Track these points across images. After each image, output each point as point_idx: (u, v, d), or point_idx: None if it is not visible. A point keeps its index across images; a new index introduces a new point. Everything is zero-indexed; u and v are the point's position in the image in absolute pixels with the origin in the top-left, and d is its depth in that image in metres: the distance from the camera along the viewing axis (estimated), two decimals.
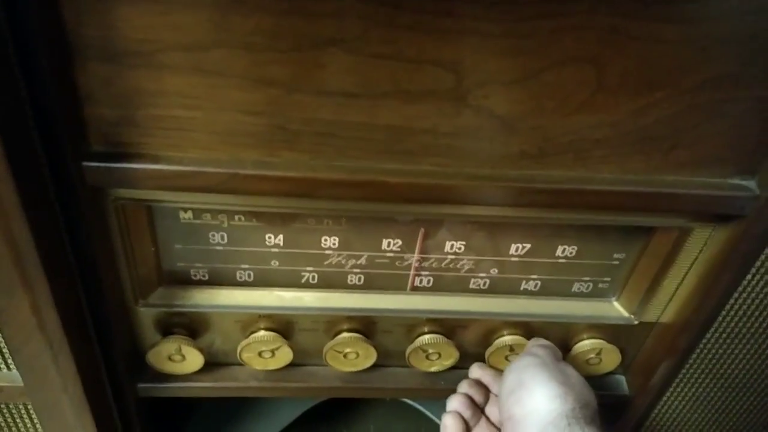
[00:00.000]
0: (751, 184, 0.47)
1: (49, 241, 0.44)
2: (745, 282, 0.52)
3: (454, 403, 0.57)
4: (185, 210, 0.51)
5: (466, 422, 0.55)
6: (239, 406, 0.85)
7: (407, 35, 0.39)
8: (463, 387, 0.58)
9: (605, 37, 0.40)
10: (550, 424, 0.45)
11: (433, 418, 0.86)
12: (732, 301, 0.54)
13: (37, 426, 0.57)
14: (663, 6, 0.39)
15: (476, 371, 0.60)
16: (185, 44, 0.39)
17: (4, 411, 0.56)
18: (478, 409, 0.57)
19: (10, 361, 0.51)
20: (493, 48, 0.40)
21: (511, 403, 0.48)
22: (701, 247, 0.52)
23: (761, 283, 0.52)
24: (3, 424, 0.57)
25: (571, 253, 0.56)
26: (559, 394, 0.46)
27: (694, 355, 0.59)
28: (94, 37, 0.38)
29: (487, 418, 0.57)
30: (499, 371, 0.60)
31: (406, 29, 0.39)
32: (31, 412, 0.55)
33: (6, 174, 0.38)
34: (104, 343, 0.54)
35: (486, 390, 0.58)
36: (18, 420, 0.56)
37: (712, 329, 0.56)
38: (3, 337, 0.49)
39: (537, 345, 0.55)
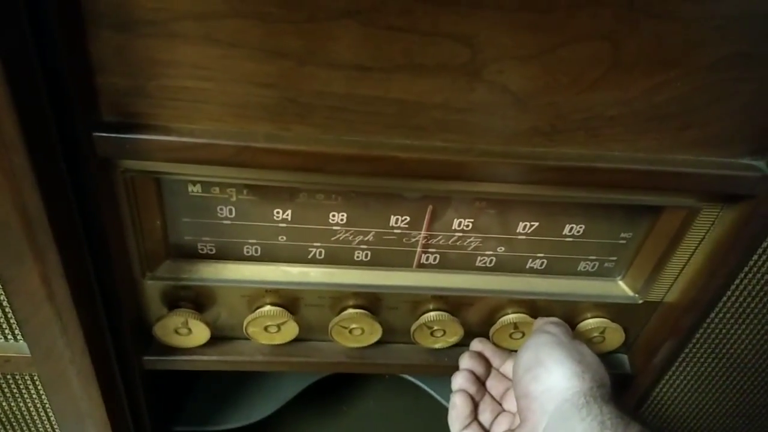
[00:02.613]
0: (761, 164, 0.47)
1: (59, 211, 0.44)
2: (751, 262, 0.53)
3: (460, 380, 0.57)
4: (194, 183, 0.51)
5: (472, 398, 0.56)
6: (240, 382, 0.85)
7: (423, 8, 0.39)
8: (465, 361, 0.58)
9: (621, 14, 0.39)
10: (567, 401, 0.45)
11: (433, 393, 0.87)
12: (737, 281, 0.54)
13: (43, 397, 0.57)
14: None
15: (477, 345, 0.60)
16: (199, 13, 0.38)
17: (10, 381, 0.56)
18: (482, 385, 0.57)
19: (17, 331, 0.51)
20: (509, 22, 0.39)
21: (527, 381, 0.49)
22: (709, 227, 0.53)
23: (767, 263, 0.52)
24: (9, 395, 0.57)
25: (578, 231, 0.56)
26: (576, 373, 0.47)
27: (698, 335, 0.59)
28: (108, 5, 0.38)
29: (489, 393, 0.57)
30: (499, 347, 0.61)
31: (422, 1, 0.38)
32: (37, 382, 0.55)
33: (20, 143, 0.38)
34: (111, 315, 0.54)
35: (487, 363, 0.58)
36: (24, 390, 0.56)
37: (716, 309, 0.57)
38: (11, 308, 0.49)
39: (550, 323, 0.55)
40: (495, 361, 0.59)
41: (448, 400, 0.85)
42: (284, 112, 0.43)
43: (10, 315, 0.50)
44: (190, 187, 0.51)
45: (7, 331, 0.51)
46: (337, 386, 0.92)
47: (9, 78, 0.36)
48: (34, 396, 0.57)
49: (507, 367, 0.58)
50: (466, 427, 0.55)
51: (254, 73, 0.41)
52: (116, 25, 0.39)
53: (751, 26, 0.41)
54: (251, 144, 0.44)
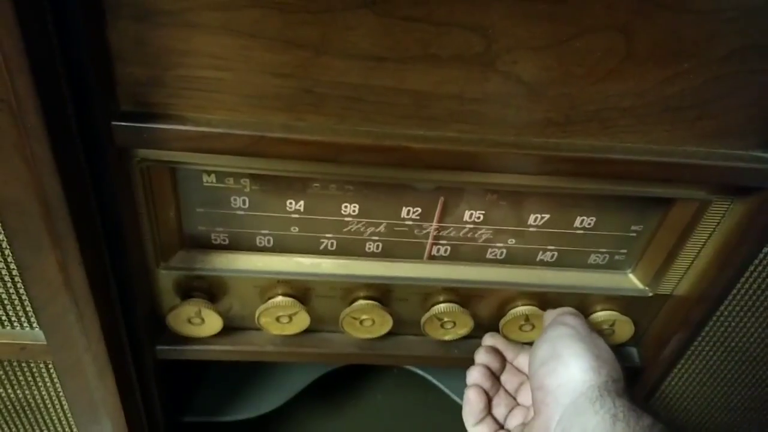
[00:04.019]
0: None
1: (78, 199, 0.44)
2: (761, 255, 0.53)
3: (474, 375, 0.57)
4: (208, 173, 0.51)
5: (486, 393, 0.56)
6: (250, 373, 0.86)
7: None
8: (480, 356, 0.59)
9: (636, 5, 0.40)
10: (583, 395, 0.46)
11: (441, 386, 0.87)
12: (747, 273, 0.54)
13: (57, 385, 0.58)
14: None
15: (489, 339, 0.61)
16: (218, 3, 0.39)
17: (25, 369, 0.56)
18: (497, 380, 0.57)
19: (33, 319, 0.52)
20: (523, 13, 0.40)
21: (543, 374, 0.49)
22: (719, 219, 0.53)
23: None
24: (24, 383, 0.57)
25: (589, 224, 0.56)
26: (593, 367, 0.47)
27: (707, 328, 0.59)
28: None
29: (503, 387, 0.58)
30: (511, 340, 0.61)
31: None
32: (52, 370, 0.56)
33: (41, 131, 0.38)
34: (125, 304, 0.55)
35: (502, 357, 0.59)
36: (38, 378, 0.57)
37: (726, 301, 0.57)
38: (28, 296, 0.50)
39: (568, 314, 0.55)
40: (508, 354, 0.59)
41: (456, 392, 0.86)
42: (299, 102, 0.44)
43: (26, 302, 0.50)
44: (205, 178, 0.51)
45: (23, 319, 0.52)
46: (346, 379, 0.92)
47: (32, 67, 0.36)
48: (48, 384, 0.57)
49: (521, 360, 0.58)
50: (480, 421, 0.56)
51: (271, 64, 0.42)
52: (135, 15, 0.39)
53: (765, 19, 0.41)
54: (266, 134, 0.44)
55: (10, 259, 0.47)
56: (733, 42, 0.42)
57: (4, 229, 0.45)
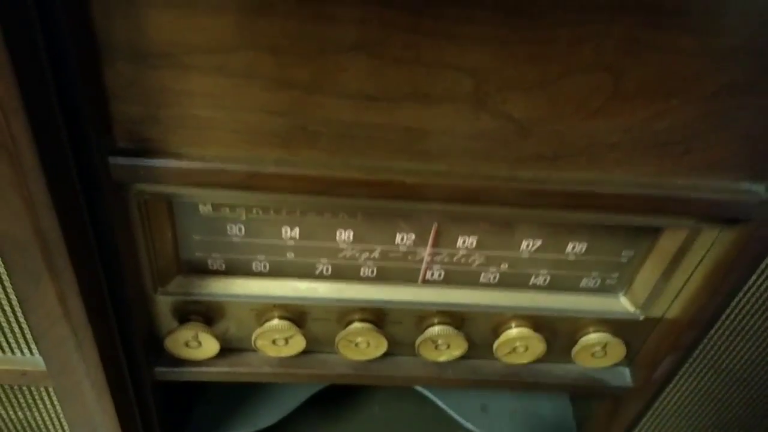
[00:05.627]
0: (759, 188, 0.48)
1: (75, 233, 0.45)
2: (750, 282, 0.54)
3: None
4: (205, 203, 0.52)
5: None
6: (247, 390, 0.87)
7: (428, 41, 0.40)
8: None
9: (623, 46, 0.40)
10: None
11: (437, 401, 0.88)
12: (737, 300, 0.55)
13: (57, 408, 0.59)
14: (680, 17, 0.39)
15: None
16: (211, 46, 0.39)
17: (26, 392, 0.57)
18: None
19: (33, 346, 0.53)
20: (512, 54, 0.40)
21: None
22: (708, 247, 0.53)
23: (765, 283, 0.53)
24: (25, 406, 0.59)
25: (580, 249, 0.57)
26: None
27: (698, 351, 0.60)
28: (122, 39, 0.39)
29: None
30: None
31: (428, 35, 0.39)
32: (52, 395, 0.57)
33: (38, 172, 0.39)
34: (123, 329, 0.56)
35: None
36: (39, 402, 0.58)
37: (716, 326, 0.58)
38: (28, 324, 0.50)
39: None
40: None
41: (451, 407, 0.87)
42: (293, 139, 0.45)
43: (26, 331, 0.51)
44: (201, 207, 0.52)
45: (23, 346, 0.53)
46: (342, 391, 0.93)
47: (28, 109, 0.37)
48: (49, 407, 0.59)
49: None
50: None
51: (265, 102, 0.42)
52: (130, 58, 0.40)
53: (749, 58, 0.41)
54: (261, 169, 0.45)
55: (10, 290, 0.48)
56: (719, 80, 0.43)
57: (3, 263, 0.46)
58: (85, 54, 0.39)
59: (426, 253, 0.57)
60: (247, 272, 0.58)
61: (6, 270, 0.46)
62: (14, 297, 0.49)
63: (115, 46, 0.39)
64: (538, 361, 0.64)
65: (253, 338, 0.60)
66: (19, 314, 0.50)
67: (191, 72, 0.41)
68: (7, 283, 0.47)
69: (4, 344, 0.53)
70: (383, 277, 0.59)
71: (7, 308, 0.49)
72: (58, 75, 0.39)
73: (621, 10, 0.39)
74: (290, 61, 0.40)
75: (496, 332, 0.62)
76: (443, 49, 0.40)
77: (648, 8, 0.39)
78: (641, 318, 0.60)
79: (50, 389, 0.56)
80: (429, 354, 0.63)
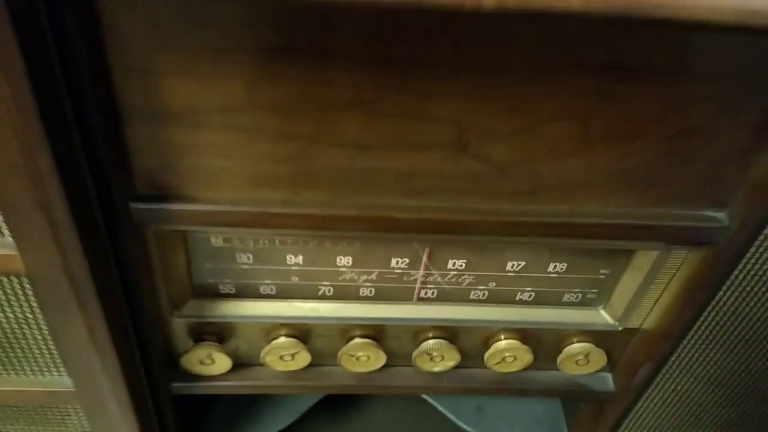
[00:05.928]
0: (722, 216, 0.53)
1: (100, 269, 0.50)
2: (717, 297, 0.59)
3: None
4: (216, 237, 0.57)
5: None
6: (257, 398, 0.92)
7: (416, 98, 0.44)
8: None
9: (590, 99, 0.45)
10: None
11: (435, 404, 0.93)
12: (706, 313, 0.60)
13: (84, 424, 0.64)
14: (643, 73, 0.44)
15: None
16: (222, 107, 0.44)
17: (55, 411, 0.62)
18: None
19: (62, 368, 0.58)
20: (490, 108, 0.45)
21: None
22: (678, 265, 0.58)
23: (731, 298, 0.58)
24: (54, 422, 0.64)
25: (561, 269, 0.62)
26: None
27: (673, 358, 0.65)
28: (141, 102, 0.44)
29: None
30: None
31: (415, 93, 0.44)
32: (80, 412, 0.62)
33: (68, 223, 0.44)
34: (144, 350, 0.61)
35: None
36: (67, 418, 0.63)
37: (689, 336, 0.63)
38: (58, 351, 0.55)
39: None
40: None
41: (448, 408, 0.92)
42: (296, 182, 0.49)
43: (56, 355, 0.56)
44: (213, 239, 0.57)
45: (53, 368, 0.58)
46: (347, 394, 0.98)
47: (61, 174, 0.42)
48: (76, 423, 0.64)
49: None
50: None
51: (271, 153, 0.47)
52: (148, 118, 0.44)
53: (706, 104, 0.46)
54: (267, 209, 0.50)
55: (42, 322, 0.53)
56: (678, 123, 0.47)
57: (36, 298, 0.51)
58: (107, 116, 0.44)
59: (419, 274, 0.62)
60: (256, 295, 0.63)
61: (38, 304, 0.51)
62: (45, 327, 0.54)
63: (135, 108, 0.44)
64: (527, 369, 0.69)
65: (262, 355, 0.65)
66: (50, 342, 0.55)
67: (203, 129, 0.45)
68: (39, 316, 0.52)
69: (36, 368, 0.58)
70: (381, 296, 0.64)
71: (39, 337, 0.54)
72: (85, 135, 0.44)
73: (587, 69, 0.43)
74: (293, 117, 0.45)
75: (487, 344, 0.67)
76: (429, 104, 0.45)
77: (610, 67, 0.43)
78: (620, 329, 0.65)
79: (78, 408, 0.61)
80: (425, 365, 0.68)
